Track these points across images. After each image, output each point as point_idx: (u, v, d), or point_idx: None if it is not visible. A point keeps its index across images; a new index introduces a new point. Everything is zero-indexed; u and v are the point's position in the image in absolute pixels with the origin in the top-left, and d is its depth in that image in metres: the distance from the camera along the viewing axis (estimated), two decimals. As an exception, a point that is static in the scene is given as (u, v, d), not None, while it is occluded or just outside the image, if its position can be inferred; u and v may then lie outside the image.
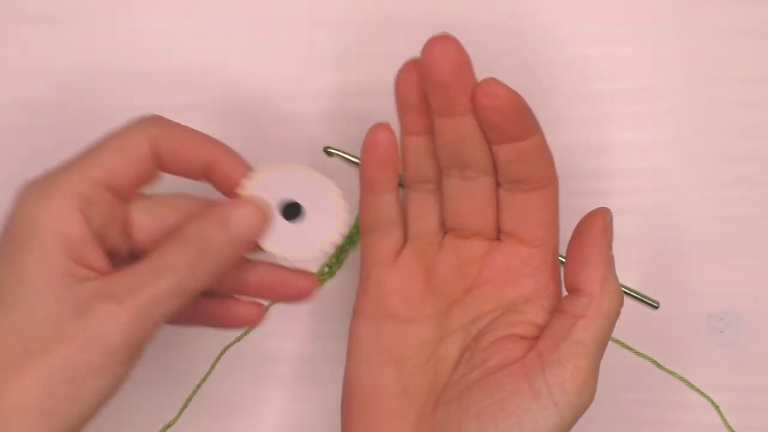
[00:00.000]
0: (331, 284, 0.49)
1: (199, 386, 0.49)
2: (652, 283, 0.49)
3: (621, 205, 0.48)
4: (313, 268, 0.49)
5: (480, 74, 0.49)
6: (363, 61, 0.49)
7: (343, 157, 0.48)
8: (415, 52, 0.48)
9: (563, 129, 0.49)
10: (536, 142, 0.37)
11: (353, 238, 0.48)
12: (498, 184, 0.39)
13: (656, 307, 0.48)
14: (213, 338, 0.49)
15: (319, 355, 0.49)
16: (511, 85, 0.48)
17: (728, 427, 0.48)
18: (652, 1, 0.49)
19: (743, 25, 0.49)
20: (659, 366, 0.48)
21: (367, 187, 0.41)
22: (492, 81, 0.36)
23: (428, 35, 0.49)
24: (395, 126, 0.45)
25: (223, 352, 0.49)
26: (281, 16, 0.49)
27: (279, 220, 0.38)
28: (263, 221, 0.38)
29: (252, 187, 0.38)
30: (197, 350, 0.49)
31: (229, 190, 0.38)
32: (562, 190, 0.49)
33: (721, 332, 0.49)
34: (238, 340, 0.49)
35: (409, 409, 0.39)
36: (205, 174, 0.39)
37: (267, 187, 0.38)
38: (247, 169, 0.39)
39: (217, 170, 0.38)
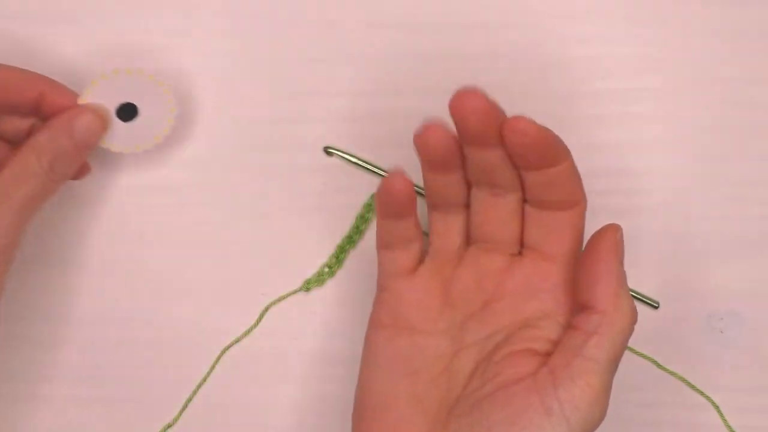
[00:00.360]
0: (331, 284, 0.49)
1: (199, 386, 0.49)
2: (652, 283, 0.49)
3: (621, 206, 0.49)
4: (311, 267, 0.49)
5: (480, 74, 0.49)
6: (365, 61, 0.49)
7: (343, 157, 0.48)
8: (414, 51, 0.49)
9: (563, 129, 0.49)
10: (565, 168, 0.38)
11: (353, 238, 0.48)
12: (524, 200, 0.40)
13: (656, 307, 0.48)
14: (213, 338, 0.49)
15: (319, 355, 0.49)
16: (510, 86, 0.49)
17: (728, 427, 0.48)
18: (653, 1, 0.49)
19: (743, 25, 0.49)
20: (659, 366, 0.48)
21: (383, 216, 0.41)
22: (521, 119, 0.37)
23: (428, 36, 0.49)
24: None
25: (223, 352, 0.49)
26: (283, 16, 0.49)
27: (116, 121, 0.44)
28: (103, 126, 0.43)
29: (91, 96, 0.44)
30: (197, 350, 0.49)
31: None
32: (562, 190, 0.49)
33: (722, 332, 0.49)
34: (238, 340, 0.49)
35: (421, 421, 0.39)
36: (35, 108, 0.43)
37: (105, 93, 0.44)
38: (74, 95, 0.43)
39: (46, 102, 0.42)
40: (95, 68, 0.48)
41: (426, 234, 0.49)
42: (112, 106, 0.44)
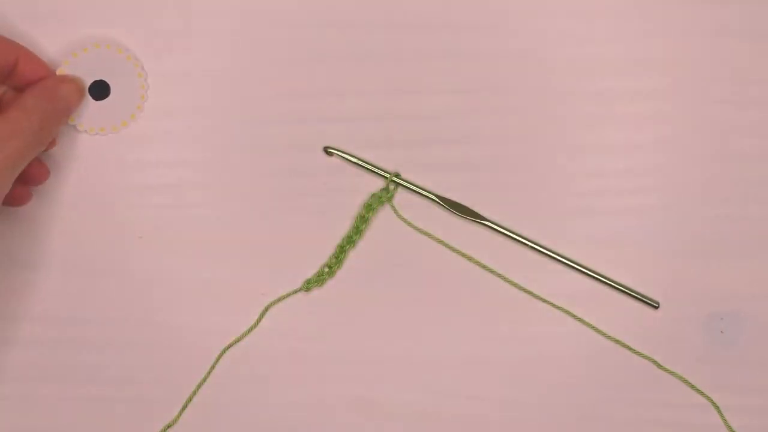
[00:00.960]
0: (331, 284, 0.49)
1: (199, 386, 0.49)
2: (652, 283, 0.49)
3: (621, 205, 0.49)
4: (311, 267, 0.49)
5: (479, 74, 0.49)
6: (365, 61, 0.49)
7: (343, 157, 0.49)
8: (414, 51, 0.49)
9: (563, 128, 0.49)
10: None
11: (353, 238, 0.48)
12: None
13: (656, 307, 0.48)
14: (213, 338, 0.49)
15: (319, 355, 0.49)
16: (511, 85, 0.49)
17: (728, 427, 0.48)
18: (653, 1, 0.49)
19: (743, 24, 0.49)
20: (659, 366, 0.48)
21: None
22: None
23: (429, 37, 0.49)
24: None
25: (223, 352, 0.49)
26: (283, 16, 0.49)
27: (87, 99, 0.47)
28: (80, 96, 0.47)
29: (69, 68, 0.47)
30: (197, 350, 0.49)
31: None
32: (563, 190, 0.49)
33: (722, 332, 0.49)
34: (238, 340, 0.49)
35: None
36: (8, 74, 0.45)
37: (81, 67, 0.47)
38: (47, 66, 0.46)
39: (20, 70, 0.45)
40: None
41: (439, 240, 0.49)
42: (87, 82, 0.47)
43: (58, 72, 0.46)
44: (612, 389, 0.49)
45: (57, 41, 0.48)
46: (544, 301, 0.49)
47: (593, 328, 0.48)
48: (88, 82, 0.47)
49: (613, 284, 0.48)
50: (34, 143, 0.43)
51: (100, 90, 0.47)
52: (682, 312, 0.49)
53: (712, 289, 0.49)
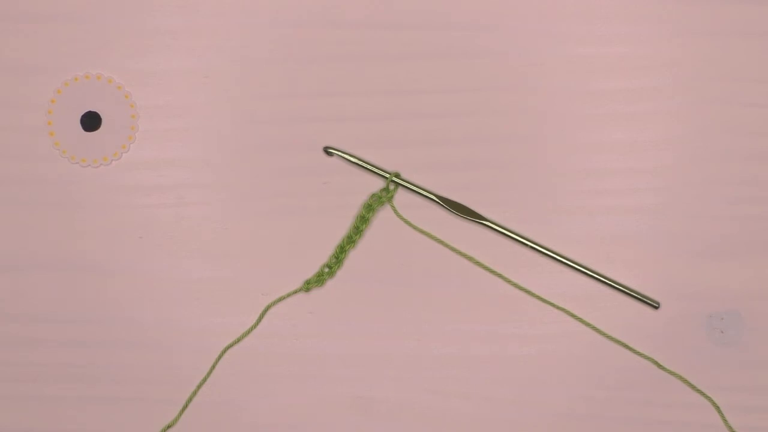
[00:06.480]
0: (331, 284, 0.49)
1: (199, 386, 0.49)
2: (652, 283, 0.49)
3: (621, 205, 0.49)
4: (311, 267, 0.49)
5: (479, 74, 0.49)
6: (364, 61, 0.49)
7: (343, 157, 0.49)
8: (414, 51, 0.49)
9: (563, 129, 0.49)
10: None
11: (353, 238, 0.48)
12: None
13: (656, 307, 0.48)
14: (213, 338, 0.49)
15: (319, 355, 0.49)
16: (511, 85, 0.49)
17: (728, 427, 0.48)
18: (653, 1, 0.49)
19: (743, 24, 0.49)
20: (659, 366, 0.48)
21: None
22: None
23: (430, 36, 0.49)
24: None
25: (223, 352, 0.49)
26: (283, 16, 0.49)
27: (78, 130, 0.47)
28: None
29: (60, 99, 0.47)
30: (197, 350, 0.49)
31: None
32: (563, 190, 0.49)
33: (722, 332, 0.49)
34: (238, 340, 0.49)
35: None
36: None
37: (73, 98, 0.47)
38: None
39: None
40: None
41: (439, 240, 0.49)
42: (78, 112, 0.47)
43: (49, 108, 0.47)
44: (612, 389, 0.49)
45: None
46: (544, 301, 0.49)
47: (593, 328, 0.49)
48: (79, 113, 0.47)
49: (613, 284, 0.48)
50: None
51: (91, 121, 0.47)
52: (682, 312, 0.49)
53: (712, 289, 0.49)
